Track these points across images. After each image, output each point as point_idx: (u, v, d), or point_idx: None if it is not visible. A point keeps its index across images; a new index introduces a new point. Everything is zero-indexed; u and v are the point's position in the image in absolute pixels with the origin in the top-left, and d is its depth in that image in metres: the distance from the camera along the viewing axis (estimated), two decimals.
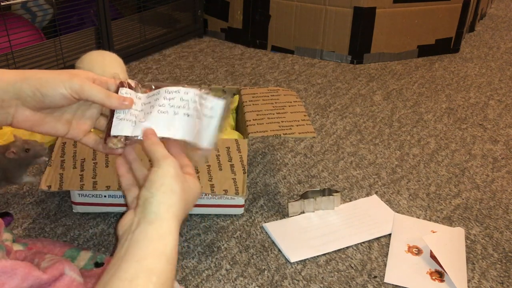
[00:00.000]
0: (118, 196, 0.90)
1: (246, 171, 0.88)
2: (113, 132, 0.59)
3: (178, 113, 0.60)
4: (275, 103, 1.05)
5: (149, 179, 0.54)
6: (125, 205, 0.91)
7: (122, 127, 0.59)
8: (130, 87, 0.62)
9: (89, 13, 1.71)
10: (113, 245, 0.86)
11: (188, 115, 0.60)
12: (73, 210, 0.93)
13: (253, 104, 1.04)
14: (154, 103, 0.61)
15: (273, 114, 1.01)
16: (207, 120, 0.62)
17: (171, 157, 0.56)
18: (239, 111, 1.10)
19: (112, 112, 0.60)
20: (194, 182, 0.58)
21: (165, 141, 0.59)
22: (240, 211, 0.94)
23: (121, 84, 0.61)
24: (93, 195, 0.91)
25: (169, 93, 0.61)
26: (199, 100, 0.62)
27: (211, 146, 0.62)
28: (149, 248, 0.49)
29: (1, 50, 1.33)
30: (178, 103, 0.61)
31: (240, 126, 1.06)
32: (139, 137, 0.59)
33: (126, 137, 0.59)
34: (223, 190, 0.85)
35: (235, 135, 1.01)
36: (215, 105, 0.63)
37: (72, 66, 1.52)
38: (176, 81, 1.57)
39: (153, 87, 0.63)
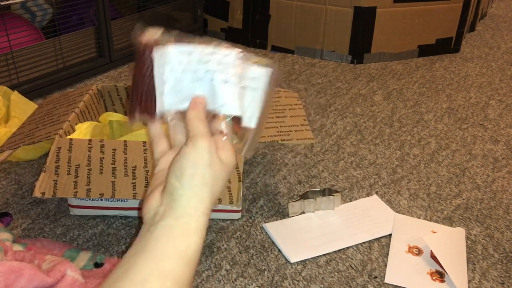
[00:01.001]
0: (115, 200, 0.90)
1: (241, 179, 0.85)
2: (159, 107, 0.51)
3: (214, 80, 0.51)
4: (276, 105, 1.05)
5: (180, 162, 0.48)
6: (123, 208, 0.91)
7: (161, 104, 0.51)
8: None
9: (89, 13, 1.71)
10: (113, 245, 0.86)
11: (225, 82, 0.51)
12: (70, 213, 0.93)
13: None
14: (185, 66, 0.52)
15: (272, 118, 1.00)
16: (249, 92, 0.54)
17: (210, 138, 0.49)
18: None
19: (136, 83, 0.51)
20: (230, 160, 0.51)
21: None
22: (237, 215, 0.94)
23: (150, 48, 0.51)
24: (89, 198, 0.90)
25: (204, 54, 0.52)
26: (242, 66, 0.53)
27: (253, 125, 0.54)
28: (169, 247, 0.45)
29: (1, 50, 1.33)
30: (214, 66, 0.52)
31: None
32: (170, 111, 0.51)
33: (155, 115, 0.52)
34: (217, 199, 0.83)
35: (234, 138, 1.00)
36: (259, 75, 0.54)
37: (72, 66, 1.52)
38: None
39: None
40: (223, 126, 0.52)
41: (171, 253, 0.45)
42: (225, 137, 0.52)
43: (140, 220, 0.92)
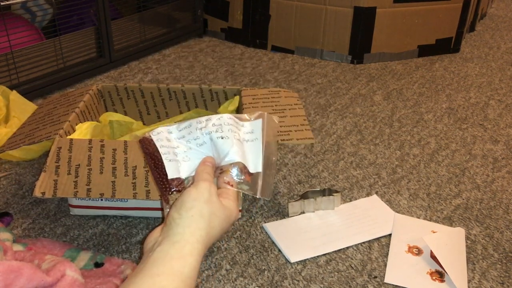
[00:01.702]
0: (115, 200, 0.90)
1: None
2: (170, 175, 0.59)
3: (212, 138, 0.60)
4: (275, 105, 1.05)
5: (181, 199, 0.55)
6: (123, 208, 0.91)
7: (174, 168, 0.59)
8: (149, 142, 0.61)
9: (89, 13, 1.71)
10: (113, 245, 0.86)
11: (222, 138, 0.60)
12: (71, 213, 0.93)
13: (252, 107, 1.04)
14: (188, 137, 0.61)
15: None
16: (249, 144, 0.62)
17: (210, 182, 0.57)
18: (238, 113, 1.10)
19: (154, 170, 0.59)
20: (230, 207, 0.57)
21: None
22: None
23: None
24: (89, 198, 0.90)
25: (200, 122, 0.61)
26: (235, 124, 0.61)
27: (260, 169, 0.61)
28: (166, 266, 0.49)
29: (1, 50, 1.33)
30: (211, 128, 0.60)
31: None
32: (188, 178, 0.59)
33: (182, 183, 0.59)
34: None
35: None
36: (253, 128, 0.63)
37: (72, 66, 1.52)
38: (176, 81, 1.57)
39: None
40: (229, 177, 0.59)
41: (168, 271, 0.49)
42: (230, 186, 0.59)
43: (140, 220, 0.93)
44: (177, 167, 0.59)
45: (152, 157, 0.60)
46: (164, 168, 0.59)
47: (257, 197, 0.61)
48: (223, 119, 0.61)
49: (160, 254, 0.50)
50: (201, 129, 0.60)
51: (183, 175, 0.59)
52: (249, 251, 0.86)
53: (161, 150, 0.59)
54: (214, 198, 0.56)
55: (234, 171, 0.59)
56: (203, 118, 0.61)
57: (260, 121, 0.62)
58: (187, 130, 0.61)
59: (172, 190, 0.58)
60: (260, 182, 0.60)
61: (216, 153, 0.60)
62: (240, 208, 0.94)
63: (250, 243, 0.88)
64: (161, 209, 0.92)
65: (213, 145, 0.60)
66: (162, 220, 0.93)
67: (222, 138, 0.59)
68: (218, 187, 0.59)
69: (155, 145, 0.60)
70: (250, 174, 0.60)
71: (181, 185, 0.59)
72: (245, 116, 0.63)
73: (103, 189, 0.80)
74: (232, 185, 0.59)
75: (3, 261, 0.63)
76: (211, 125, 0.60)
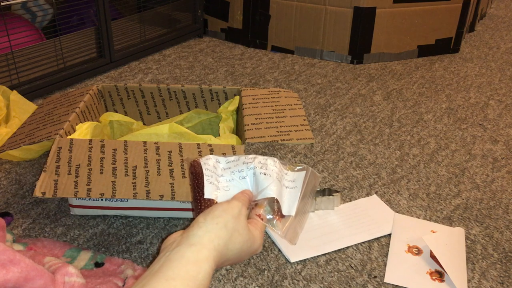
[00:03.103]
0: (115, 200, 0.90)
1: None
2: (207, 195, 0.62)
3: (255, 173, 0.63)
4: (275, 105, 1.05)
5: (212, 208, 0.56)
6: (123, 208, 0.92)
7: (211, 190, 0.62)
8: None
9: (89, 13, 1.71)
10: (113, 245, 0.86)
11: (265, 174, 0.63)
12: (71, 213, 0.93)
13: (252, 107, 1.04)
14: (233, 169, 0.65)
15: (272, 118, 1.00)
16: (288, 190, 0.65)
17: (243, 203, 0.58)
18: (238, 113, 1.10)
19: (196, 190, 0.63)
20: (255, 235, 0.58)
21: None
22: None
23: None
24: (90, 198, 0.90)
25: (247, 158, 0.65)
26: (280, 168, 0.65)
27: (293, 213, 0.64)
28: (182, 269, 0.49)
29: (1, 50, 1.33)
30: (256, 164, 0.64)
31: (239, 129, 1.06)
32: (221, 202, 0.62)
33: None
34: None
35: (234, 139, 1.00)
36: (296, 177, 0.66)
37: (73, 66, 1.52)
38: (176, 81, 1.57)
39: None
40: (261, 211, 0.62)
41: (183, 276, 0.48)
42: (261, 219, 0.61)
43: (140, 220, 0.93)
44: (215, 190, 0.63)
45: (197, 177, 0.63)
46: (203, 188, 0.62)
47: (282, 237, 0.63)
48: (269, 160, 0.65)
49: (177, 255, 0.50)
50: (247, 163, 0.64)
51: (218, 200, 0.62)
52: None
53: (205, 173, 0.63)
54: (242, 218, 0.57)
55: (267, 208, 0.62)
56: (251, 156, 0.65)
57: (303, 173, 0.66)
58: (234, 163, 0.65)
59: (204, 208, 0.62)
60: (289, 225, 0.63)
61: (255, 187, 0.63)
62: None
63: None
64: (164, 209, 0.92)
65: (254, 180, 0.63)
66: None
67: (265, 174, 0.63)
68: (249, 218, 0.61)
69: (201, 167, 0.63)
70: (282, 216, 0.63)
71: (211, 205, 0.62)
72: (290, 165, 0.68)
73: (103, 189, 0.80)
74: (262, 219, 0.62)
75: (30, 261, 0.64)
76: (257, 162, 0.64)
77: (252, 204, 0.62)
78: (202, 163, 0.64)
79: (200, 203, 0.61)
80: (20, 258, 0.63)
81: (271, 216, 0.62)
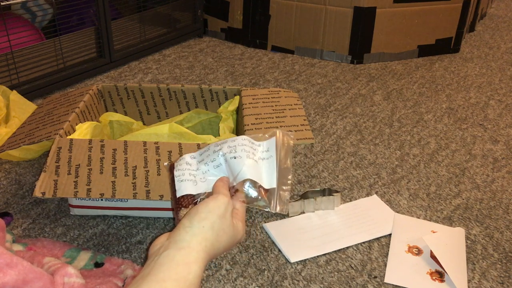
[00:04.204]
0: (115, 200, 0.90)
1: None
2: (178, 193, 0.63)
3: (226, 159, 0.63)
4: (275, 105, 1.05)
5: (196, 208, 0.56)
6: (123, 208, 0.91)
7: (185, 187, 0.63)
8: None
9: (89, 13, 1.71)
10: (113, 245, 0.86)
11: (235, 158, 0.63)
12: (71, 213, 0.93)
13: (252, 107, 1.04)
14: (207, 160, 0.65)
15: (272, 118, 1.00)
16: (265, 162, 0.65)
17: (228, 198, 0.59)
18: (238, 113, 1.10)
19: (172, 186, 0.64)
20: (238, 228, 0.59)
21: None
22: None
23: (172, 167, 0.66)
24: (90, 198, 0.90)
25: (217, 145, 0.65)
26: (250, 145, 0.65)
27: (274, 185, 0.64)
28: (172, 271, 0.50)
29: (1, 50, 1.33)
30: (225, 150, 0.64)
31: (239, 129, 1.06)
32: (203, 195, 0.63)
33: (194, 200, 0.63)
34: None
35: None
36: (267, 146, 0.66)
37: (72, 66, 1.52)
38: (176, 81, 1.57)
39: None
40: (242, 196, 0.62)
41: (174, 277, 0.49)
42: (246, 204, 0.62)
43: (140, 220, 0.93)
44: (188, 186, 0.63)
45: (173, 179, 0.64)
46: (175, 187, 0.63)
47: (273, 212, 0.63)
48: (238, 140, 0.64)
49: (166, 259, 0.51)
50: (217, 151, 0.64)
51: (195, 192, 0.62)
52: (249, 251, 0.86)
53: (175, 173, 0.64)
54: (228, 215, 0.57)
55: (247, 188, 0.62)
56: (220, 142, 0.65)
57: (273, 139, 0.66)
58: (206, 154, 0.65)
59: (180, 207, 0.62)
60: (275, 198, 0.63)
61: (230, 173, 0.63)
62: None
63: (250, 243, 0.88)
64: (164, 209, 0.92)
65: (227, 166, 0.63)
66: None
67: (235, 158, 0.62)
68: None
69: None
70: (266, 191, 0.63)
71: (190, 201, 0.62)
72: (264, 135, 0.67)
73: (103, 189, 0.80)
74: (247, 203, 0.62)
75: (28, 263, 0.64)
76: (226, 147, 0.64)
77: (232, 191, 0.62)
78: (175, 164, 0.65)
79: (176, 202, 0.62)
80: (17, 261, 0.62)
81: (256, 194, 0.62)
